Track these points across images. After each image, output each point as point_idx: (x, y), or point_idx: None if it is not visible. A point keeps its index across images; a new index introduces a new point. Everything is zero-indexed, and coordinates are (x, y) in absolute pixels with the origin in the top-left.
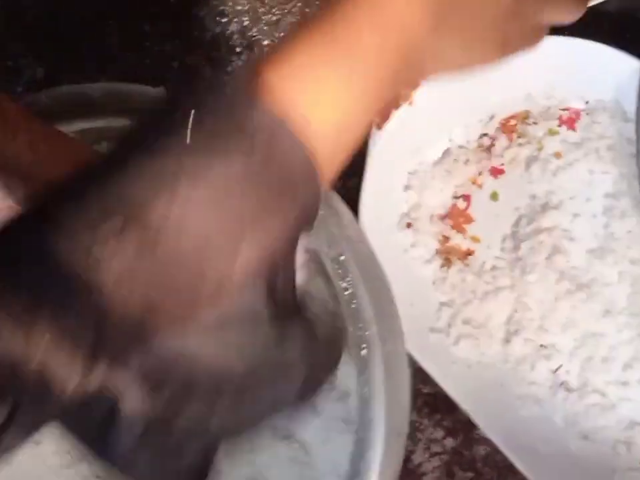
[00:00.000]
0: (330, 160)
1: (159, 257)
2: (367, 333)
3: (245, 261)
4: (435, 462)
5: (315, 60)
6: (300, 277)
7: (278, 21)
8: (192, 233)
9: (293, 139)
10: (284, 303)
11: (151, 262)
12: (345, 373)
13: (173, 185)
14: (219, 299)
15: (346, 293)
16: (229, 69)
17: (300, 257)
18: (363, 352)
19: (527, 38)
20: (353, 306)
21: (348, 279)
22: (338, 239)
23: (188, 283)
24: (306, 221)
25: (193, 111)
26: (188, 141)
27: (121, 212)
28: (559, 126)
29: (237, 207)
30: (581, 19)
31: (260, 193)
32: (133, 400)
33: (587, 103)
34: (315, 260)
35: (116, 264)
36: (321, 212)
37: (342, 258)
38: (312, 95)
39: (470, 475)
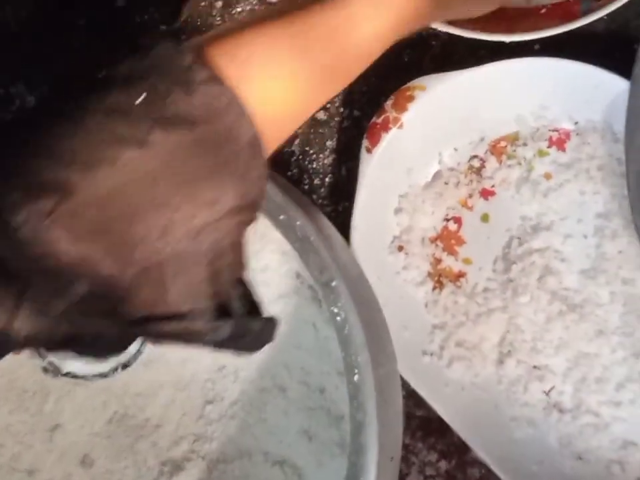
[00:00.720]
0: (274, 134)
1: (95, 219)
2: (359, 359)
3: (183, 229)
4: None
5: (267, 40)
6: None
7: None
8: (130, 198)
9: (239, 113)
10: (225, 294)
11: (88, 224)
12: (338, 397)
13: (120, 149)
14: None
15: (338, 318)
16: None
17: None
18: (356, 377)
19: None
20: (345, 332)
21: (339, 304)
22: (329, 264)
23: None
24: (251, 201)
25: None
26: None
27: (63, 176)
28: (549, 147)
29: (179, 175)
30: (570, 40)
31: (203, 162)
32: None
33: (576, 123)
34: (306, 285)
35: (53, 224)
36: (311, 237)
37: (333, 284)
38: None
39: None
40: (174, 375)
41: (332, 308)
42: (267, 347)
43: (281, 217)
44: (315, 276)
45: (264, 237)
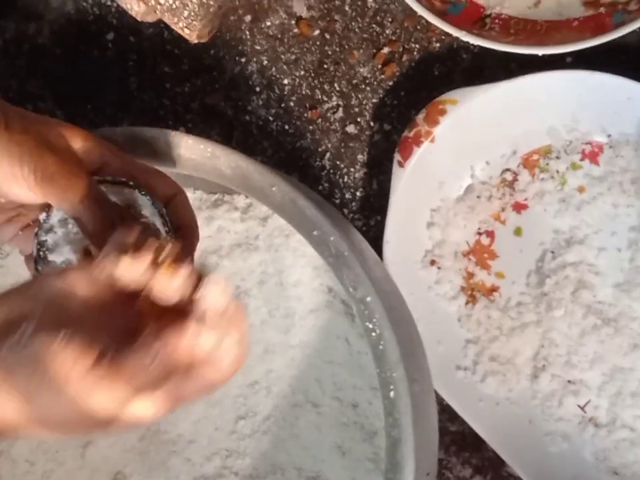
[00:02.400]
0: None
1: None
2: (394, 375)
3: None
4: None
5: None
6: None
7: (297, 59)
8: None
9: None
10: None
11: None
12: (372, 412)
13: None
14: None
15: (373, 334)
16: (249, 107)
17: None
18: (391, 393)
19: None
20: (381, 347)
21: (374, 320)
22: (363, 280)
23: None
24: None
25: None
26: None
27: None
28: (582, 160)
29: None
30: (602, 52)
31: None
32: None
33: (609, 136)
34: (338, 299)
35: None
36: (345, 253)
37: (368, 299)
38: None
39: None
40: None
41: (366, 324)
42: (299, 362)
43: (315, 233)
44: (349, 292)
45: (296, 252)
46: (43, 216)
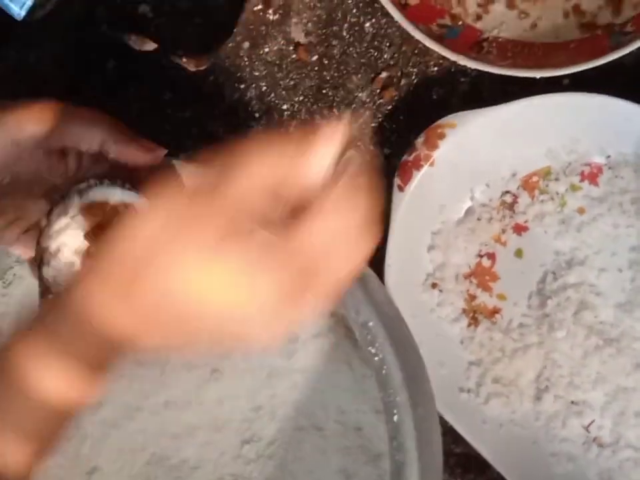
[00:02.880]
0: None
1: None
2: (397, 399)
3: None
4: None
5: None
6: None
7: (295, 85)
8: None
9: None
10: None
11: None
12: (375, 435)
13: None
14: None
15: (376, 358)
16: (249, 134)
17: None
18: (395, 417)
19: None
20: (384, 372)
21: (377, 344)
22: (365, 304)
23: None
24: None
25: None
26: None
27: None
28: (581, 181)
29: None
30: (599, 74)
31: None
32: None
33: (608, 157)
34: (341, 324)
35: None
36: None
37: (370, 324)
38: None
39: None
40: (210, 416)
41: (369, 348)
42: (303, 386)
43: None
44: (352, 317)
45: None
46: (44, 222)
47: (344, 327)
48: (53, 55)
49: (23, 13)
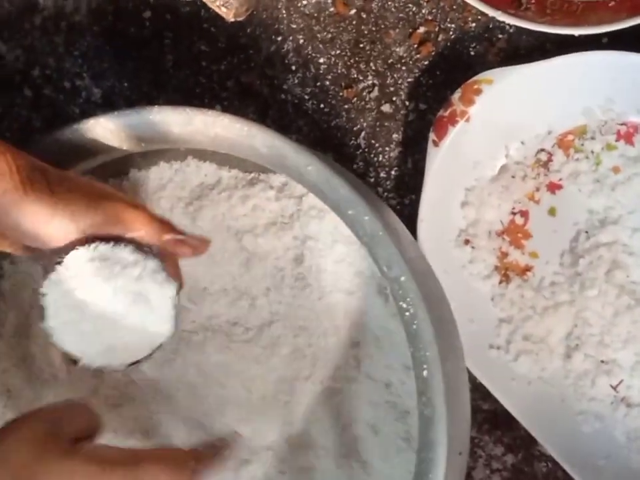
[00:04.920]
0: None
1: None
2: (427, 354)
3: None
4: (496, 479)
5: None
6: None
7: (333, 38)
8: None
9: None
10: None
11: None
12: (404, 391)
13: None
14: None
15: (407, 313)
16: (285, 86)
17: None
18: (425, 372)
19: None
20: (414, 327)
21: (408, 299)
22: (397, 260)
23: None
24: None
25: None
26: None
27: None
28: (617, 141)
29: None
30: (637, 33)
31: None
32: None
33: None
34: (373, 279)
35: None
36: (379, 233)
37: (402, 279)
38: None
39: None
40: None
41: (400, 303)
42: (332, 342)
43: (349, 212)
44: (383, 271)
45: (330, 231)
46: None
47: (375, 282)
48: (89, 5)
49: None
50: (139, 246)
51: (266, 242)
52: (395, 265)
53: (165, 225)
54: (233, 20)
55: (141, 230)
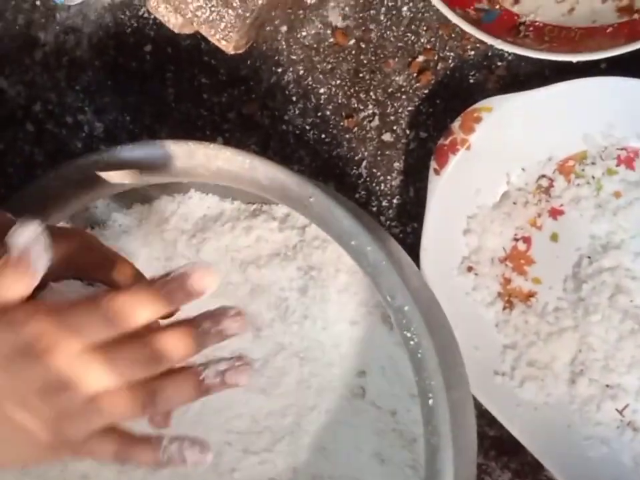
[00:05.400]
0: None
1: None
2: (433, 383)
3: None
4: None
5: None
6: None
7: (333, 68)
8: None
9: None
10: None
11: None
12: (410, 419)
13: None
14: None
15: (411, 342)
16: (286, 117)
17: None
18: (430, 401)
19: None
20: (419, 355)
21: (412, 328)
22: (401, 289)
23: None
24: None
25: None
26: None
27: None
28: (618, 165)
29: None
30: (636, 58)
31: None
32: None
33: None
34: (377, 307)
35: None
36: (382, 262)
37: (406, 308)
38: None
39: None
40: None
41: (405, 332)
42: (338, 372)
43: (352, 243)
44: (387, 301)
45: (334, 261)
46: None
47: (379, 311)
48: (90, 40)
49: None
50: None
51: (270, 273)
52: (398, 295)
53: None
54: (233, 53)
55: None
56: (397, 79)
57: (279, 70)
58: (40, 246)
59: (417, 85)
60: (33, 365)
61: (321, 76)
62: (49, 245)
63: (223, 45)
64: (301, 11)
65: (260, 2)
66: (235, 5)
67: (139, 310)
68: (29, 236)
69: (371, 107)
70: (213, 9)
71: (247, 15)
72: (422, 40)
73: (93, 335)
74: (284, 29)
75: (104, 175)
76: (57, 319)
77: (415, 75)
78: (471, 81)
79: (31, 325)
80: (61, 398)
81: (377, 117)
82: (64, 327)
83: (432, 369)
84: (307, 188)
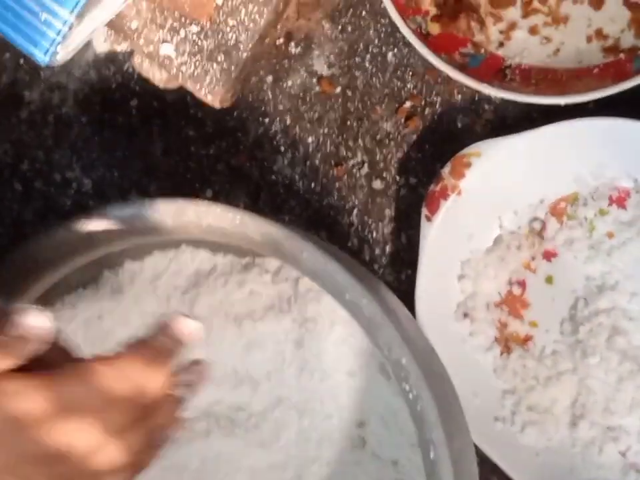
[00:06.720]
0: None
1: None
2: (433, 436)
3: None
4: None
5: None
6: None
7: (320, 117)
8: None
9: None
10: None
11: None
12: (412, 468)
13: None
14: None
15: (410, 395)
16: (275, 167)
17: None
18: (432, 454)
19: None
20: (418, 409)
21: (410, 381)
22: (397, 342)
23: None
24: None
25: None
26: None
27: None
28: (609, 205)
29: None
30: (623, 97)
31: None
32: None
33: (635, 180)
34: (374, 359)
35: None
36: (377, 316)
37: (403, 361)
38: None
39: None
40: None
41: (403, 385)
42: (337, 423)
43: (347, 297)
44: (384, 353)
45: (329, 313)
46: None
47: (376, 362)
48: (76, 96)
49: (47, 59)
50: None
51: (265, 326)
52: (395, 347)
53: None
54: (219, 107)
55: None
56: (385, 125)
57: (266, 120)
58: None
59: (405, 130)
60: (25, 437)
61: (308, 125)
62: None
63: (209, 99)
64: (285, 61)
65: (244, 55)
66: (219, 59)
67: (133, 381)
68: (37, 326)
69: (359, 154)
70: (197, 64)
71: (232, 68)
72: (408, 85)
73: (87, 408)
74: (269, 79)
75: (94, 235)
76: (49, 393)
77: (402, 120)
78: (459, 125)
79: (21, 398)
80: (58, 466)
81: (366, 165)
82: (56, 401)
83: (432, 422)
84: (298, 243)
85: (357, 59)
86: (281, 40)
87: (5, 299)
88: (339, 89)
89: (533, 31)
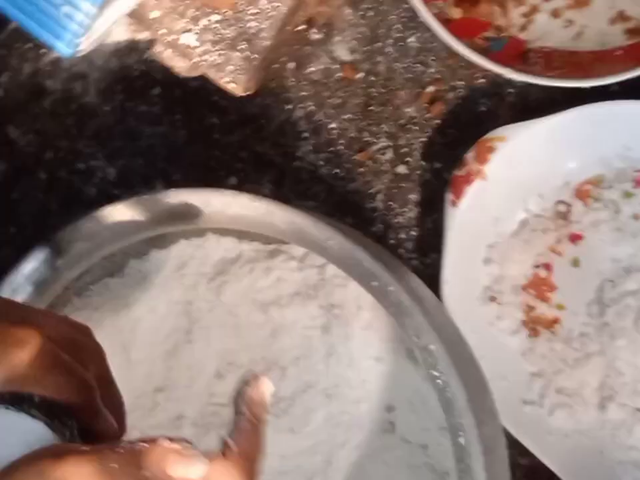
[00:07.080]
0: None
1: None
2: (463, 421)
3: None
4: None
5: None
6: None
7: (342, 103)
8: None
9: None
10: None
11: None
12: (441, 453)
13: None
14: None
15: (438, 381)
16: (299, 154)
17: None
18: (461, 439)
19: None
20: (447, 394)
21: (439, 367)
22: (425, 328)
23: None
24: None
25: None
26: None
27: None
28: (634, 187)
29: None
30: None
31: None
32: None
33: None
34: (402, 344)
35: None
36: (405, 302)
37: (431, 347)
38: None
39: None
40: None
41: (431, 371)
42: (366, 406)
43: (373, 284)
44: (413, 340)
45: (355, 298)
46: None
47: (404, 347)
48: (98, 86)
49: (70, 51)
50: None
51: (292, 312)
52: (423, 334)
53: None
54: (242, 95)
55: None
56: (408, 110)
57: (289, 107)
58: None
59: (428, 115)
60: None
61: (331, 111)
62: None
63: (231, 87)
64: (307, 47)
65: (266, 43)
66: (241, 47)
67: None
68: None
69: (383, 139)
70: (219, 52)
71: (254, 56)
72: (431, 70)
73: None
74: (292, 65)
75: (119, 226)
76: (92, 468)
77: (425, 105)
78: (482, 109)
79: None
80: None
81: (389, 150)
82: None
83: (461, 408)
84: (324, 231)
85: (379, 44)
86: (302, 26)
87: (34, 290)
88: (361, 74)
89: (555, 14)
